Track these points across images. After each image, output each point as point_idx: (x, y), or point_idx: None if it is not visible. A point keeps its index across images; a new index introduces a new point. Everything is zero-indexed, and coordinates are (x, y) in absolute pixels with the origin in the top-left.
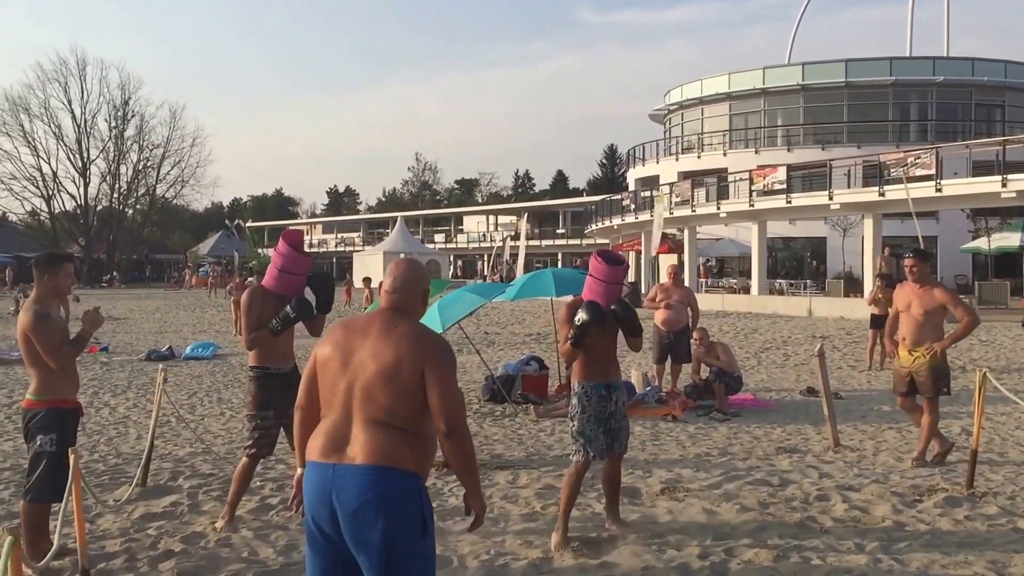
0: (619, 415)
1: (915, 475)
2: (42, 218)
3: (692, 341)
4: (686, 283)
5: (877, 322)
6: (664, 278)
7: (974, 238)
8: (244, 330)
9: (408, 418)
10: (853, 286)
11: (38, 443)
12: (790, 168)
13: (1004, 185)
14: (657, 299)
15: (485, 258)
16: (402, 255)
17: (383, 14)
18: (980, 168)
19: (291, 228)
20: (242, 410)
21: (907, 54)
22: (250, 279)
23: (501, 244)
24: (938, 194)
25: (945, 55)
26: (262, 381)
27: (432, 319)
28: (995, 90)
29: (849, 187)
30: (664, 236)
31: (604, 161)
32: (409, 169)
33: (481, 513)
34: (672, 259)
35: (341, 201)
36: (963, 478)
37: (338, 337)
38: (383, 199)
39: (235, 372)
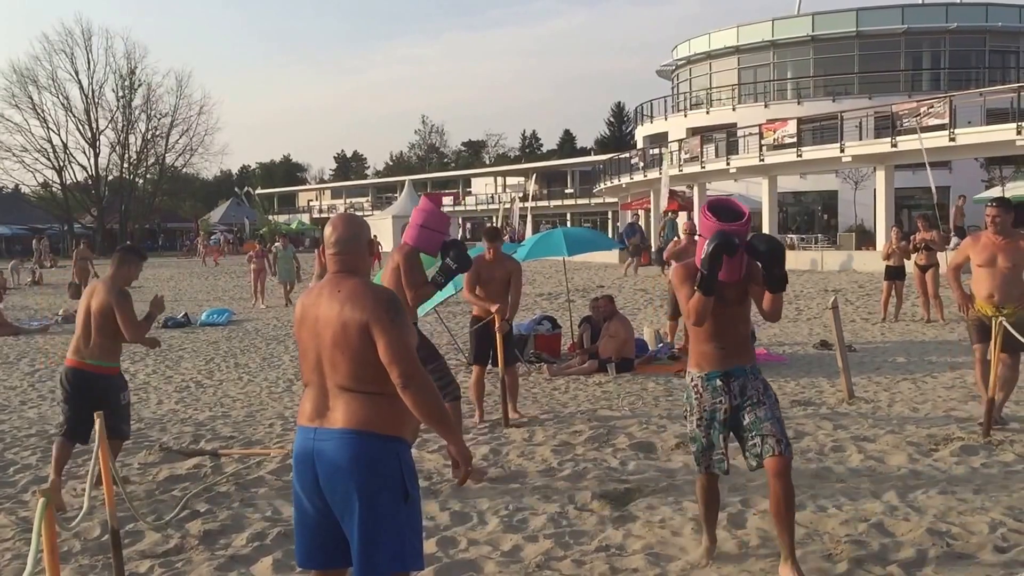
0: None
1: (931, 425)
2: (54, 189)
3: None
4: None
5: (893, 274)
6: (681, 235)
7: (988, 187)
8: (409, 287)
9: (375, 380)
10: (865, 239)
11: (122, 399)
12: (800, 121)
13: (1019, 133)
14: (669, 259)
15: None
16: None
17: None
18: (994, 116)
19: (429, 193)
20: (260, 373)
21: (919, 1)
22: (276, 245)
23: (510, 205)
24: (952, 143)
25: (958, 1)
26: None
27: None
28: (1010, 36)
29: (861, 139)
30: (674, 193)
31: (611, 119)
32: (416, 132)
33: (464, 461)
34: (682, 217)
35: (349, 166)
36: (979, 427)
37: (302, 308)
38: (391, 163)
39: (251, 337)
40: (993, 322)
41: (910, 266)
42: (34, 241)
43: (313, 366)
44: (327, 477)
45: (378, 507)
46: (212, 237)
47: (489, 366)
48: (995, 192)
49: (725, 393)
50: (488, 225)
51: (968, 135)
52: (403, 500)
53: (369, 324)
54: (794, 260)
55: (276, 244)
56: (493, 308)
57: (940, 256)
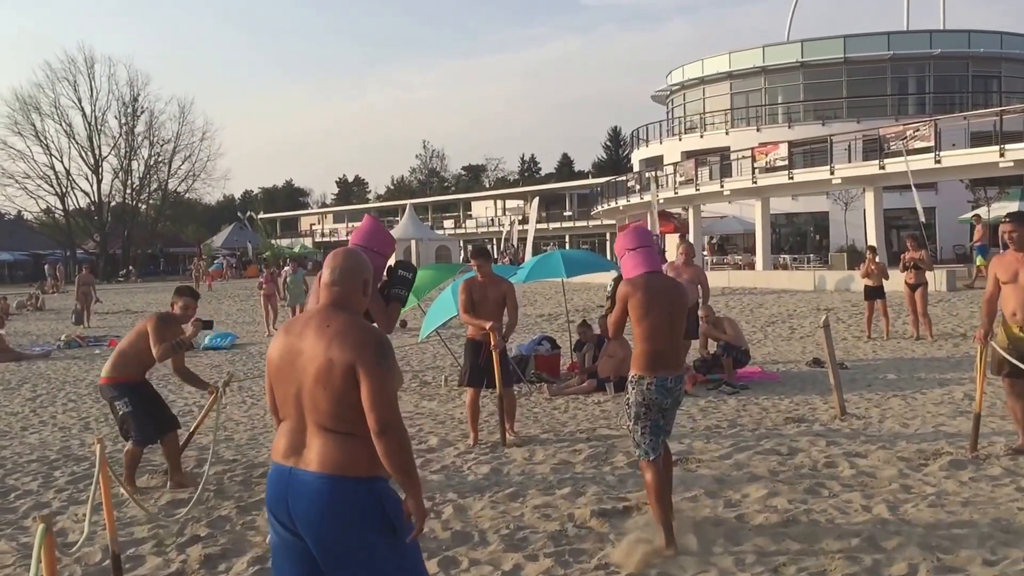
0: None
1: (920, 440)
2: (57, 216)
3: (699, 317)
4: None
5: (872, 293)
6: (674, 257)
7: (973, 208)
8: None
9: (355, 420)
10: (856, 259)
11: (117, 408)
12: (791, 144)
13: (1002, 155)
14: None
15: (495, 243)
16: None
17: (382, 3)
18: (978, 139)
19: (371, 215)
20: (262, 397)
21: (904, 28)
22: (286, 268)
23: (509, 228)
24: (937, 165)
25: (942, 28)
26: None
27: (446, 303)
28: (991, 61)
29: (850, 161)
30: (669, 215)
31: (608, 143)
32: (417, 157)
33: (421, 519)
34: (676, 239)
35: (351, 190)
36: (967, 442)
37: (282, 342)
38: (392, 187)
39: (254, 361)
40: (985, 346)
41: (900, 284)
42: (46, 266)
43: (291, 400)
44: (303, 519)
45: (373, 551)
46: (215, 261)
47: (485, 389)
48: (981, 212)
49: None
50: (475, 244)
51: (953, 157)
52: (391, 535)
53: (355, 365)
54: (787, 280)
55: (286, 268)
56: (487, 325)
57: (928, 275)
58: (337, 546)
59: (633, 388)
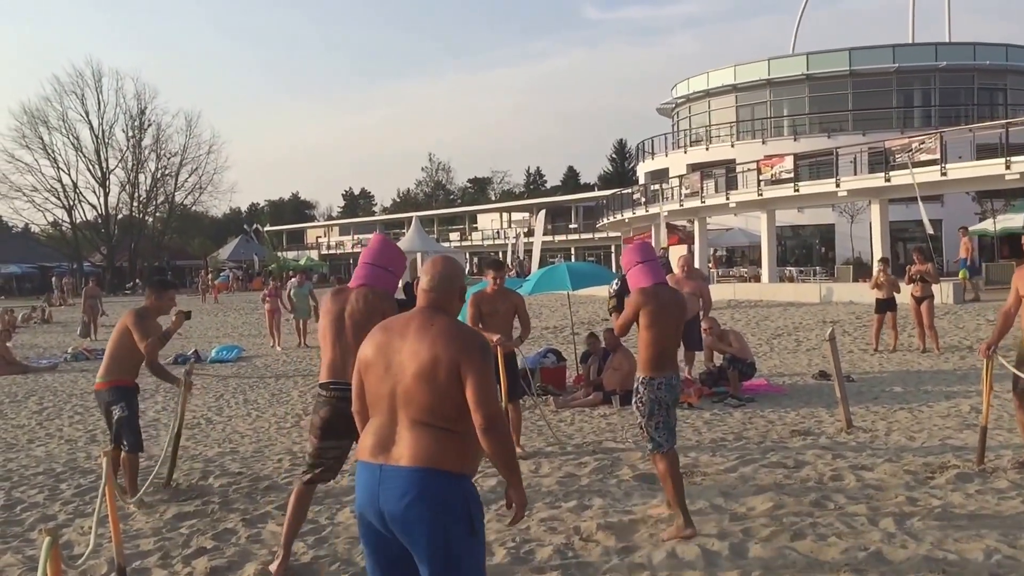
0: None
1: (927, 453)
2: (64, 228)
3: (703, 330)
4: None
5: (882, 306)
6: (676, 270)
7: (980, 220)
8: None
9: (450, 417)
10: (862, 271)
11: (112, 413)
12: (797, 157)
13: (1008, 167)
14: None
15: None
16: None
17: (389, 18)
18: (984, 151)
19: (380, 232)
20: (268, 409)
21: (909, 41)
22: (292, 280)
23: (515, 240)
24: (943, 178)
25: (947, 40)
26: None
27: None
28: (997, 74)
29: (855, 174)
30: (675, 227)
31: (614, 156)
32: (423, 169)
33: (521, 508)
34: (683, 250)
35: (357, 203)
36: (974, 455)
37: (378, 340)
38: (398, 200)
39: (260, 373)
40: (991, 360)
41: (906, 297)
42: (54, 278)
43: (385, 397)
44: (395, 514)
45: (448, 542)
46: (222, 274)
47: None
48: (987, 225)
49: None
50: (491, 256)
51: (959, 170)
52: (472, 535)
53: (460, 362)
54: (793, 293)
55: (292, 281)
56: (494, 338)
57: (935, 288)
58: (422, 536)
59: (645, 389)
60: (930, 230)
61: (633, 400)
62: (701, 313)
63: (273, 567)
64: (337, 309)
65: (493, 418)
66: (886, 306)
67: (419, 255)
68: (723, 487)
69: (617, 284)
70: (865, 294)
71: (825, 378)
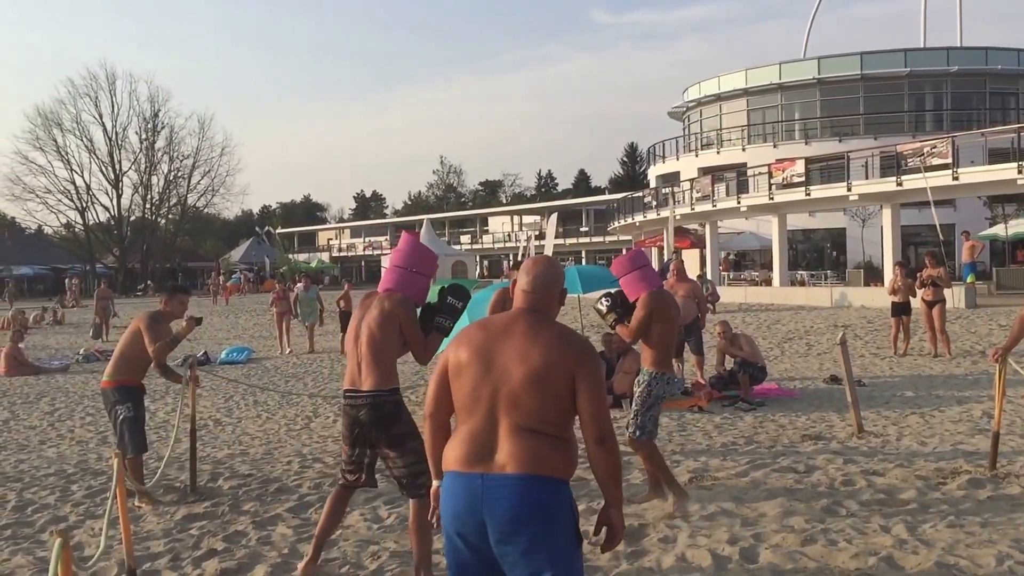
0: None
1: (939, 459)
2: (77, 230)
3: (715, 333)
4: (708, 276)
5: (899, 310)
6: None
7: (991, 225)
8: (416, 342)
9: (556, 423)
10: (873, 275)
11: (117, 412)
12: (808, 161)
13: (1020, 172)
14: None
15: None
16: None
17: (400, 22)
18: (996, 156)
19: (409, 231)
20: (278, 411)
21: (921, 45)
22: (299, 285)
23: (526, 243)
24: (955, 182)
25: (959, 45)
26: None
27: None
28: (1009, 78)
29: (867, 178)
30: (686, 231)
31: (625, 159)
32: (434, 172)
33: (620, 532)
34: (694, 254)
35: (368, 205)
36: (986, 460)
37: (476, 339)
38: (409, 202)
39: (270, 375)
40: (1002, 365)
41: (917, 302)
42: (66, 280)
43: (484, 400)
44: (504, 525)
45: (558, 552)
46: (233, 276)
47: None
48: (998, 229)
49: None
50: (522, 258)
51: (971, 174)
52: (579, 545)
53: (576, 371)
54: (804, 297)
55: (298, 285)
56: None
57: (947, 292)
58: (530, 547)
59: (654, 382)
60: (941, 236)
61: (637, 390)
62: (699, 316)
63: (300, 566)
64: (360, 315)
65: (609, 430)
66: (901, 310)
67: (537, 254)
68: (734, 491)
69: (608, 301)
70: (876, 298)
71: (836, 382)
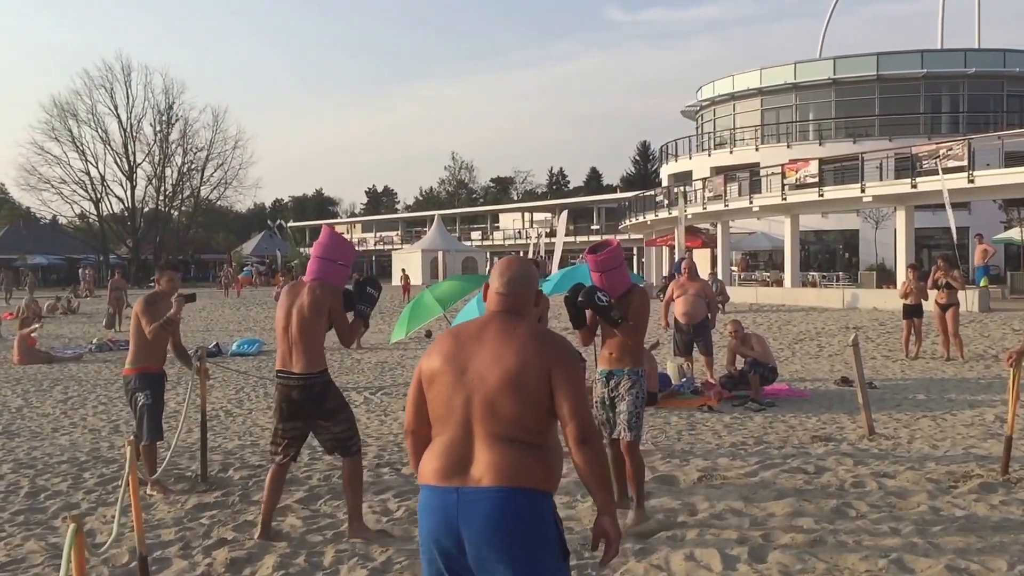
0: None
1: (950, 462)
2: (91, 220)
3: (727, 333)
4: (719, 276)
5: (911, 312)
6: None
7: (1006, 228)
8: (345, 329)
9: (535, 429)
10: (886, 278)
11: (138, 400)
12: (822, 162)
13: None
14: (674, 295)
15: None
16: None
17: (413, 18)
18: (1012, 159)
19: (328, 226)
20: None
21: (938, 46)
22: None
23: (537, 241)
24: (970, 185)
25: (976, 47)
26: None
27: (471, 314)
28: None
29: (881, 180)
30: (697, 230)
31: (637, 158)
32: (445, 168)
33: (617, 542)
34: (704, 254)
35: (379, 201)
36: (998, 464)
37: (447, 347)
38: (420, 198)
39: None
40: (1018, 368)
41: (930, 304)
42: (80, 270)
43: (458, 411)
44: (482, 541)
45: (540, 567)
46: (245, 269)
47: None
48: (1013, 233)
49: (605, 385)
50: (531, 257)
51: (986, 177)
52: (564, 559)
53: (552, 369)
54: (816, 298)
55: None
56: None
57: (960, 295)
58: (509, 562)
59: (641, 380)
60: (956, 239)
61: (632, 391)
62: (709, 316)
63: (256, 533)
64: (288, 303)
65: (591, 430)
66: (913, 312)
67: (440, 253)
68: (743, 491)
69: (606, 297)
70: (888, 300)
71: (847, 384)
